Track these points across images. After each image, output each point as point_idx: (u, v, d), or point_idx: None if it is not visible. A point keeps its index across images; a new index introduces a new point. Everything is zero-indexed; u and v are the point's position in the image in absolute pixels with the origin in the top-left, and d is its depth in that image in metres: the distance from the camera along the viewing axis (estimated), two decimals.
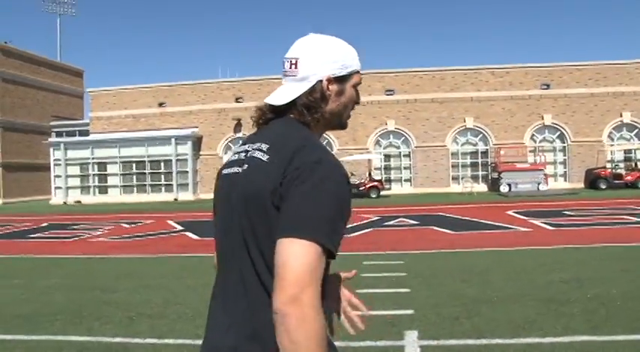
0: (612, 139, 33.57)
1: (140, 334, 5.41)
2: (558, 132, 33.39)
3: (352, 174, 29.44)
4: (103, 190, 34.30)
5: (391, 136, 33.85)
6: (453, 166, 33.49)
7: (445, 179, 33.14)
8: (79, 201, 33.33)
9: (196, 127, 33.99)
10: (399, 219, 16.33)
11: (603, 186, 29.48)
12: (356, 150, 32.32)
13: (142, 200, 32.24)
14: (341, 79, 1.55)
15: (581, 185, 31.95)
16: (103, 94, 36.39)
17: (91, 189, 34.25)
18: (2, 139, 36.88)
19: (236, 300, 1.46)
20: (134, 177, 33.97)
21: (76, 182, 34.42)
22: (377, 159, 32.84)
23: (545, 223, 13.98)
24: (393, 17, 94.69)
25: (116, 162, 33.87)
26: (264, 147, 1.47)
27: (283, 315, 1.23)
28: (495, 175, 31.27)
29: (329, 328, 1.59)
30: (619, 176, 30.21)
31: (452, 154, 33.50)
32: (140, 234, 14.50)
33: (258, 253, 1.41)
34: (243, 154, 1.52)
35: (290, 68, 1.55)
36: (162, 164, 33.59)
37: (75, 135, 38.60)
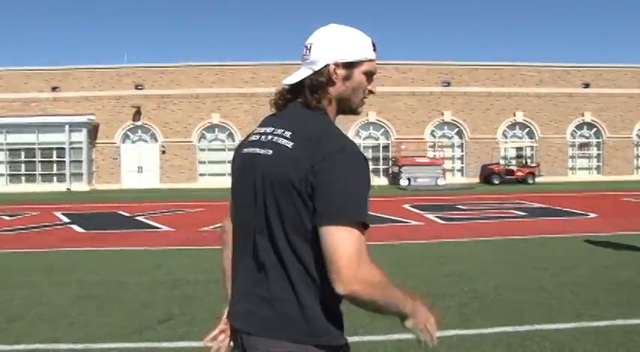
0: (506, 137, 35.15)
1: None
2: (457, 129, 34.53)
3: None
4: None
5: None
6: None
7: None
8: None
9: (93, 114, 32.38)
10: None
11: (496, 182, 30.81)
12: None
13: (30, 190, 30.40)
14: (349, 65, 1.65)
15: (477, 180, 33.30)
16: None
17: None
18: None
19: (253, 270, 1.61)
20: (22, 165, 31.94)
21: None
22: None
23: (437, 217, 14.28)
24: (276, 10, 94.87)
25: (2, 149, 31.70)
26: (288, 134, 1.58)
27: (352, 296, 1.43)
28: (396, 169, 31.86)
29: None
30: (511, 172, 31.66)
31: None
32: (22, 227, 13.54)
33: (281, 230, 1.54)
34: (265, 137, 1.63)
35: (305, 53, 1.67)
36: (54, 152, 31.75)
37: None
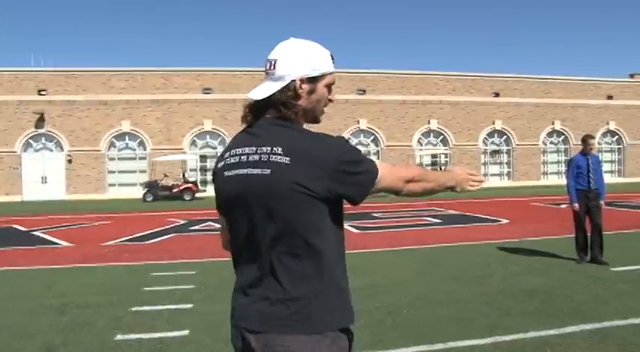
0: (421, 144, 35.66)
1: None
2: (372, 137, 34.73)
3: (165, 176, 28.07)
4: None
5: (208, 137, 32.85)
6: None
7: None
8: None
9: None
10: (207, 224, 15.54)
11: None
12: (170, 151, 30.92)
13: None
14: (313, 80, 1.78)
15: None
16: None
17: None
18: None
19: (254, 281, 1.74)
20: None
21: None
22: (192, 159, 31.68)
23: (352, 226, 14.00)
24: (189, 16, 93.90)
25: None
26: (279, 150, 1.68)
27: (410, 193, 1.92)
28: None
29: None
30: None
31: None
32: None
33: (292, 237, 1.68)
34: (251, 157, 1.72)
35: (270, 68, 1.77)
36: None
37: None
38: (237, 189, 1.74)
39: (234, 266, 1.87)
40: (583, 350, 4.52)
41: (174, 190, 27.16)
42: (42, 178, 30.69)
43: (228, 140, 32.35)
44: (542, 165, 38.34)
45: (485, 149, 37.21)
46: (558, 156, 38.05)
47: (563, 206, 8.57)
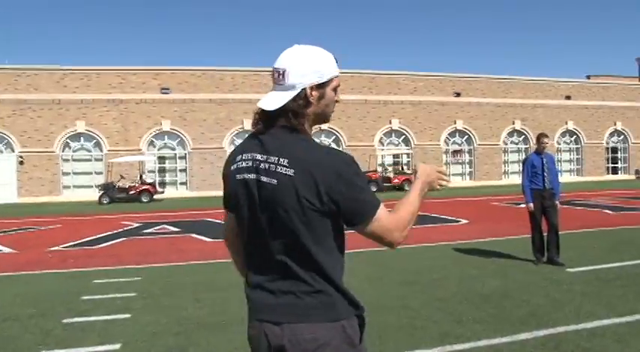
0: (383, 144, 35.58)
1: None
2: (334, 136, 34.50)
3: (122, 177, 27.35)
4: None
5: (166, 137, 32.22)
6: None
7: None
8: None
9: None
10: (161, 227, 15.06)
11: (374, 189, 30.89)
12: (127, 152, 30.17)
13: None
14: (321, 85, 1.84)
15: None
16: None
17: None
18: None
19: (274, 277, 1.84)
20: None
21: None
22: (150, 160, 31.00)
23: None
24: (144, 16, 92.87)
25: None
26: (284, 161, 1.75)
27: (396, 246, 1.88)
28: None
29: None
30: (388, 179, 31.92)
31: None
32: None
33: (298, 242, 1.77)
34: (260, 164, 1.80)
35: (278, 78, 1.83)
36: None
37: None
38: (247, 193, 1.83)
39: (246, 264, 1.97)
40: None
41: (132, 192, 26.47)
42: None
43: (187, 140, 31.80)
44: (503, 165, 38.67)
45: (447, 149, 37.34)
46: (519, 155, 38.41)
47: (522, 205, 8.44)
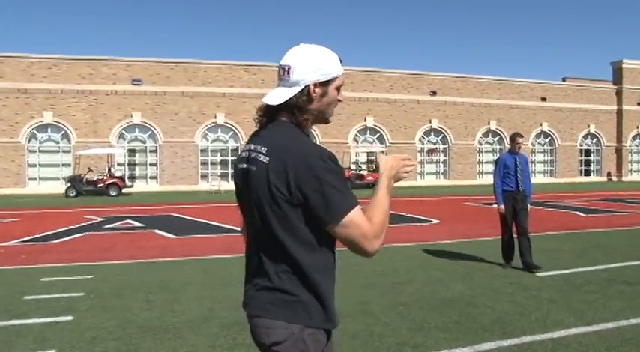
0: (357, 142, 35.34)
1: None
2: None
3: (90, 170, 26.70)
4: None
5: (137, 129, 31.59)
6: (202, 163, 32.41)
7: (193, 176, 31.86)
8: None
9: None
10: (125, 221, 14.60)
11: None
12: (96, 143, 29.49)
13: None
14: (325, 83, 1.88)
15: None
16: None
17: None
18: None
19: (258, 267, 1.88)
20: None
21: None
22: (120, 153, 30.35)
23: None
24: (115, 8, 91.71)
25: None
26: (264, 149, 1.81)
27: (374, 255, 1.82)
28: None
29: None
30: (361, 177, 31.68)
31: (201, 151, 32.39)
32: None
33: (275, 232, 1.79)
34: (249, 153, 1.88)
35: (283, 74, 1.88)
36: None
37: None
38: (241, 181, 1.91)
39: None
40: None
41: (99, 185, 25.87)
42: None
43: (158, 133, 31.23)
44: (477, 165, 38.69)
45: (422, 147, 37.24)
46: (494, 155, 38.50)
47: (495, 206, 8.21)
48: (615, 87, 43.68)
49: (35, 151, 30.22)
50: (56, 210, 18.57)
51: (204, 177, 32.21)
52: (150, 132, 31.47)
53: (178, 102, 31.51)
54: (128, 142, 31.55)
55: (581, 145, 42.46)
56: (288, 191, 1.73)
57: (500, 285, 6.84)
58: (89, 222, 14.41)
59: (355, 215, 1.74)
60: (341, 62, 1.92)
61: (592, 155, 43.27)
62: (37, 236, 11.81)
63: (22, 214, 17.11)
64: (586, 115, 41.98)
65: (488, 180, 35.91)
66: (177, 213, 16.83)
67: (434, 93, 37.04)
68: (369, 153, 35.65)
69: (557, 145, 40.97)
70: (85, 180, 26.02)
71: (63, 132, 30.29)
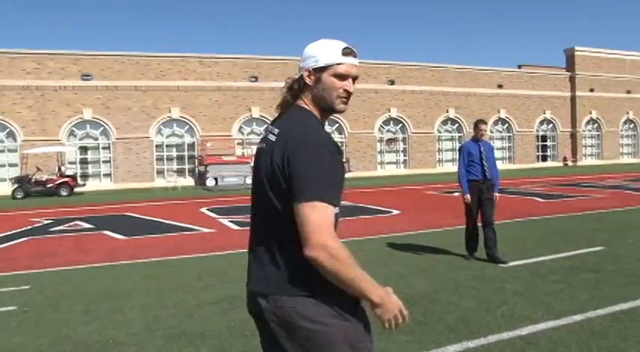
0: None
1: None
2: (265, 125, 33.55)
3: (38, 169, 25.64)
4: None
5: (88, 126, 30.50)
6: (157, 159, 31.58)
7: (149, 173, 31.04)
8: None
9: None
10: (74, 223, 13.89)
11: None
12: (45, 142, 28.33)
13: None
14: (318, 70, 1.96)
15: None
16: None
17: None
18: None
19: (261, 243, 1.95)
20: None
21: None
22: (71, 151, 29.31)
23: (232, 222, 12.89)
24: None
25: None
26: (276, 131, 1.93)
27: (315, 259, 1.73)
28: (202, 169, 30.31)
29: None
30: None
31: (156, 146, 31.56)
32: None
33: (275, 209, 1.87)
34: (266, 134, 1.98)
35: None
36: None
37: None
38: (256, 159, 2.03)
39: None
40: None
41: (49, 185, 24.84)
42: None
43: (110, 130, 30.28)
44: (437, 153, 38.77)
45: (382, 137, 37.09)
46: (453, 143, 38.62)
47: (457, 194, 7.95)
48: (569, 73, 44.27)
49: None
50: (0, 214, 17.67)
51: (161, 173, 31.39)
52: (102, 128, 30.45)
53: (131, 97, 30.55)
54: (79, 140, 30.44)
55: (537, 131, 42.96)
56: (283, 167, 1.81)
57: (464, 278, 6.56)
58: (34, 226, 13.66)
59: (319, 206, 1.74)
60: (354, 55, 2.00)
61: (548, 140, 43.84)
62: None
63: None
64: (542, 102, 42.45)
65: (448, 168, 36.04)
66: (130, 212, 16.18)
67: (392, 82, 36.90)
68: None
69: (514, 132, 41.34)
70: (33, 180, 24.97)
71: (8, 130, 28.97)
